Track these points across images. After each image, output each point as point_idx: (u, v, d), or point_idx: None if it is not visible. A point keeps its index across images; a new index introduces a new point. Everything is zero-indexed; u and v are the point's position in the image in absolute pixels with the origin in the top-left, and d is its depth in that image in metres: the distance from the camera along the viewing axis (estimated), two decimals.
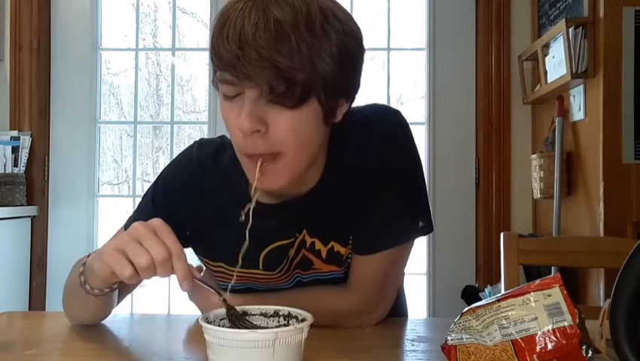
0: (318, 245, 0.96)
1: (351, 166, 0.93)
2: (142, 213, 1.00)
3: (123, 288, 0.97)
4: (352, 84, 0.86)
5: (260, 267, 0.97)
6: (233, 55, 0.75)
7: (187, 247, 1.02)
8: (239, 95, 0.80)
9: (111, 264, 0.77)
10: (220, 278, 1.01)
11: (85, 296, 0.87)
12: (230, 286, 0.85)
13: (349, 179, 0.93)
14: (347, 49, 0.81)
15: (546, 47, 2.28)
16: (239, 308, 0.78)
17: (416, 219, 0.95)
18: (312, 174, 0.92)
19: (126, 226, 1.00)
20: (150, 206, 0.99)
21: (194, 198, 0.98)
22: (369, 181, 0.92)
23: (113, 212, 2.87)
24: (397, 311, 1.08)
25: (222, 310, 0.77)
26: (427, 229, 0.96)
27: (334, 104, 0.84)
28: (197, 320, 0.73)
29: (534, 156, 2.39)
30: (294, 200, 0.90)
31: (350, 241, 0.96)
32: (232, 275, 0.99)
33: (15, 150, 2.60)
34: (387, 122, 0.95)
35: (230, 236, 0.97)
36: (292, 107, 0.78)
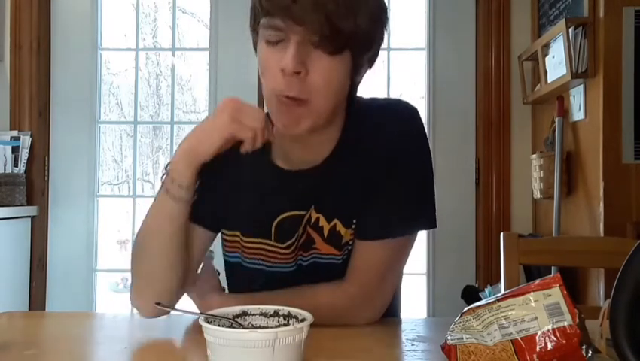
0: (322, 222, 0.98)
1: (364, 145, 0.96)
2: None
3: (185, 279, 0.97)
4: (378, 43, 0.93)
5: (272, 237, 1.00)
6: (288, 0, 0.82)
7: (217, 231, 1.05)
8: (281, 42, 0.85)
9: (235, 132, 0.87)
10: (232, 249, 1.04)
11: (163, 227, 0.90)
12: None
13: (361, 158, 0.96)
14: (381, 7, 0.90)
15: (546, 47, 2.28)
16: (238, 308, 0.78)
17: (423, 211, 0.97)
18: (325, 144, 0.97)
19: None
20: None
21: (218, 166, 0.98)
22: (381, 164, 0.95)
23: (113, 212, 2.87)
24: (391, 311, 1.07)
25: (222, 310, 0.77)
26: (431, 223, 0.98)
27: (361, 60, 0.91)
28: (197, 319, 0.73)
29: (534, 156, 2.39)
30: (306, 171, 0.95)
31: (353, 225, 0.97)
32: (245, 246, 1.03)
33: (15, 150, 2.60)
34: (406, 112, 0.99)
35: (248, 201, 1.01)
36: (331, 53, 0.85)
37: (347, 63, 0.88)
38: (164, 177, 0.92)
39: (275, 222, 1.00)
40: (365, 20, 0.85)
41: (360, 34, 0.86)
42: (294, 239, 1.00)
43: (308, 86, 0.86)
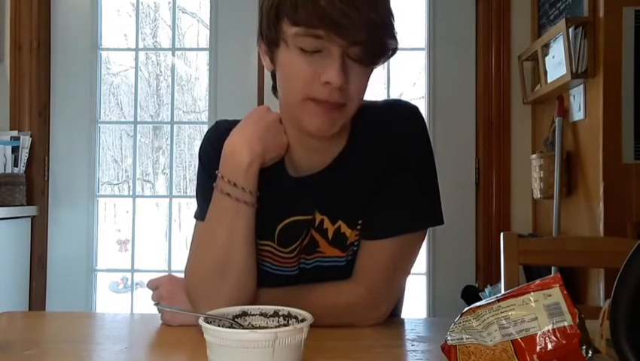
0: (327, 224, 0.98)
1: (367, 146, 0.97)
2: (205, 186, 0.99)
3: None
4: None
5: (276, 241, 1.00)
6: (340, 13, 0.81)
7: None
8: (318, 52, 0.85)
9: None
10: None
11: (230, 230, 0.90)
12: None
13: (364, 158, 0.97)
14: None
15: (546, 46, 2.28)
16: (238, 308, 0.78)
17: (428, 207, 0.98)
18: (333, 148, 0.97)
19: (198, 215, 1.01)
20: (205, 177, 1.00)
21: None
22: (384, 163, 0.96)
23: (113, 212, 2.87)
24: (393, 311, 1.07)
25: (222, 311, 0.77)
26: (437, 219, 0.98)
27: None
28: (197, 319, 0.73)
29: (534, 156, 2.39)
30: (310, 176, 0.96)
31: (358, 226, 0.98)
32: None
33: (15, 150, 2.60)
34: (407, 110, 1.00)
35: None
36: (367, 65, 0.88)
37: (372, 69, 0.92)
38: (219, 180, 0.92)
39: (280, 227, 1.00)
40: (392, 23, 0.93)
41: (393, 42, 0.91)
42: (297, 243, 1.00)
43: (346, 94, 0.88)
